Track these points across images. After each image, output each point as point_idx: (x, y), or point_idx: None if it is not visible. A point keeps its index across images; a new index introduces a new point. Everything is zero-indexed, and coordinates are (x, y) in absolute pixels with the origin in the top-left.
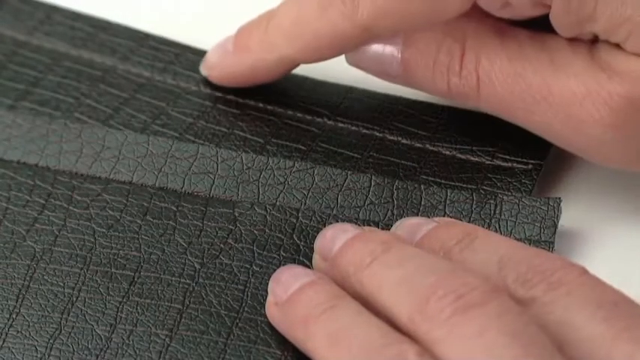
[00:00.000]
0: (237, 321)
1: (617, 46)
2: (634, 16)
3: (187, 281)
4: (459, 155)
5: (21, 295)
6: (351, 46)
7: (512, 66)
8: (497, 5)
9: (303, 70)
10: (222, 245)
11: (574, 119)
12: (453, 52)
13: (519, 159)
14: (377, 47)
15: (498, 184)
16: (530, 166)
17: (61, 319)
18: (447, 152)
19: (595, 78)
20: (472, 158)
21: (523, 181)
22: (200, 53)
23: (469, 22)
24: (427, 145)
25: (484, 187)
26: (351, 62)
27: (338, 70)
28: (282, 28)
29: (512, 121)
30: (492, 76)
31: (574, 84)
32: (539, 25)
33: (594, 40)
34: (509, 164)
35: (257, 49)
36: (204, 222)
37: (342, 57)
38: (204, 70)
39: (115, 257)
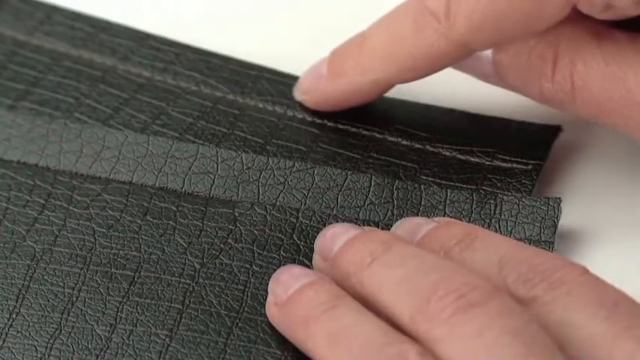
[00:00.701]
0: (237, 321)
1: None
2: None
3: (187, 281)
4: (459, 156)
5: (21, 295)
6: (448, 62)
7: (611, 69)
8: (599, 8)
9: (302, 71)
10: (222, 245)
11: None
12: (546, 56)
13: (519, 159)
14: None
15: (498, 185)
16: (530, 167)
17: (61, 319)
18: (447, 153)
19: None
20: (472, 159)
21: (523, 181)
22: (200, 53)
23: (563, 25)
24: (427, 146)
25: (484, 188)
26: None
27: None
28: (376, 51)
29: (609, 126)
30: (589, 80)
31: None
32: (638, 26)
33: None
34: (509, 165)
35: (352, 72)
36: (204, 222)
37: None
38: (299, 94)
39: (115, 257)
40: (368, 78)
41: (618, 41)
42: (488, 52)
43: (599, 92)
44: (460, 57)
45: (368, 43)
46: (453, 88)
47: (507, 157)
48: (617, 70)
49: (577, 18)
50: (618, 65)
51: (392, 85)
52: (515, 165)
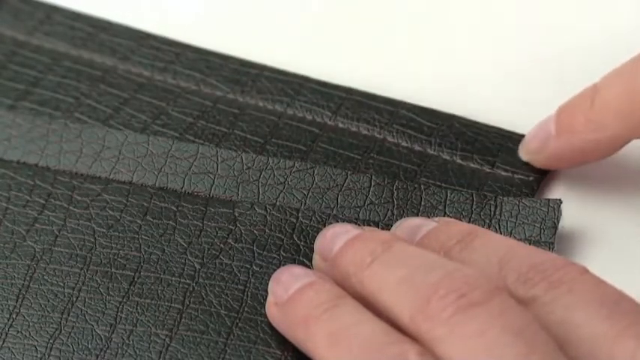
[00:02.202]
0: (237, 321)
1: None
2: None
3: (187, 281)
4: (459, 161)
5: (21, 295)
6: None
7: None
8: None
9: (303, 70)
10: (222, 245)
11: None
12: None
13: (520, 170)
14: None
15: (498, 191)
16: (531, 178)
17: (61, 319)
18: (447, 157)
19: None
20: (472, 165)
21: (523, 190)
22: (200, 52)
23: None
24: (427, 149)
25: (484, 188)
26: None
27: (339, 71)
28: (610, 106)
29: None
30: None
31: None
32: None
33: None
34: (510, 174)
35: (584, 129)
36: (204, 222)
37: (342, 56)
38: (526, 155)
39: (115, 257)
40: (603, 135)
41: None
42: None
43: None
44: None
45: (600, 98)
46: (455, 93)
47: (507, 167)
48: None
49: None
50: None
51: (629, 141)
52: (515, 175)
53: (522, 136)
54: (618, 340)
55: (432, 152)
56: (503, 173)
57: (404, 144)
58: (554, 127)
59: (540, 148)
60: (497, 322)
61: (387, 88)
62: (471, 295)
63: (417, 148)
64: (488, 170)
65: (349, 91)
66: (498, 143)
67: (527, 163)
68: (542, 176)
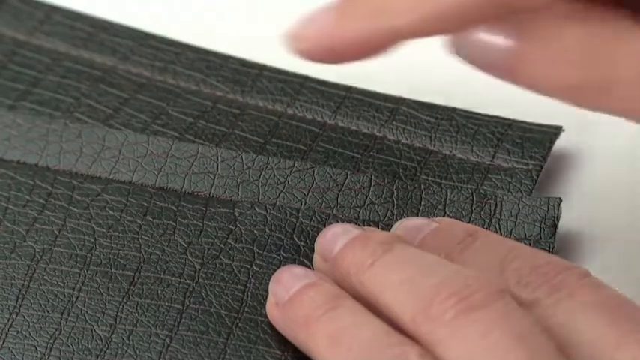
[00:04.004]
0: (237, 321)
1: None
2: None
3: (187, 281)
4: (459, 155)
5: (21, 295)
6: (479, 17)
7: None
8: None
9: (303, 69)
10: (222, 245)
11: None
12: (576, 40)
13: (519, 159)
14: (486, 35)
15: (498, 185)
16: (530, 167)
17: (61, 319)
18: (447, 152)
19: None
20: (472, 158)
21: (523, 181)
22: (200, 52)
23: (597, 7)
24: (427, 145)
25: (484, 187)
26: (456, 51)
27: (338, 70)
28: None
29: None
30: (633, 64)
31: None
32: None
33: None
34: (510, 164)
35: (367, 18)
36: (204, 222)
37: None
38: (295, 42)
39: (115, 257)
40: (386, 25)
41: None
42: (506, 42)
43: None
44: (494, 13)
45: None
46: (454, 86)
47: (507, 157)
48: None
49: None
50: None
51: (411, 38)
52: (515, 165)
53: (521, 122)
54: (620, 345)
55: (432, 148)
56: (504, 164)
57: (404, 141)
58: (334, 13)
59: (314, 35)
60: (498, 325)
61: (387, 85)
62: (472, 298)
63: (417, 144)
64: (488, 163)
65: (349, 89)
66: (499, 132)
67: (524, 150)
68: (542, 163)
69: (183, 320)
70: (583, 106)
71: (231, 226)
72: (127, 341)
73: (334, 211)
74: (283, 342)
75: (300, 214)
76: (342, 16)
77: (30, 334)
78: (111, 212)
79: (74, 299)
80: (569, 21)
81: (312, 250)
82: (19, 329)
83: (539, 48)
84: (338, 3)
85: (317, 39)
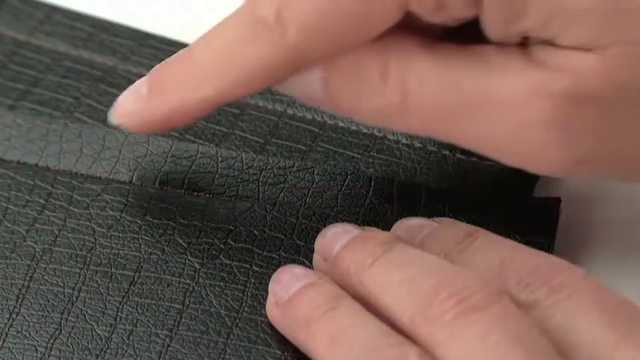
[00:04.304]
0: (237, 321)
1: (550, 42)
2: (568, 5)
3: (187, 281)
4: (459, 155)
5: (21, 295)
6: (284, 74)
7: (444, 75)
8: (431, 9)
9: None
10: (222, 245)
11: (518, 123)
12: (374, 68)
13: None
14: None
15: (498, 185)
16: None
17: (61, 319)
18: (448, 152)
19: (534, 77)
20: (472, 158)
21: (523, 182)
22: None
23: (392, 35)
24: (427, 145)
25: (484, 187)
26: (277, 86)
27: None
28: (203, 66)
29: (447, 139)
30: (422, 89)
31: (514, 85)
32: (464, 40)
33: (524, 44)
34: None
35: (176, 90)
36: (204, 222)
37: None
38: (115, 118)
39: (115, 257)
40: (195, 96)
41: (448, 49)
42: (318, 74)
43: (434, 100)
44: (295, 68)
45: (195, 57)
46: None
47: None
48: (451, 76)
49: (406, 29)
50: (451, 71)
51: (224, 103)
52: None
53: None
54: (619, 347)
55: (432, 148)
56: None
57: (404, 141)
58: (146, 88)
59: (131, 111)
60: (497, 327)
61: None
62: (471, 299)
63: (417, 144)
64: (488, 163)
65: None
66: None
67: None
68: None
69: (183, 320)
70: (397, 129)
71: (231, 226)
72: (127, 341)
73: (334, 211)
74: (283, 342)
75: (300, 214)
76: (153, 92)
77: (30, 334)
78: (111, 212)
79: (74, 299)
80: (369, 51)
81: (312, 250)
82: (19, 329)
83: (344, 76)
84: (149, 78)
85: (134, 115)
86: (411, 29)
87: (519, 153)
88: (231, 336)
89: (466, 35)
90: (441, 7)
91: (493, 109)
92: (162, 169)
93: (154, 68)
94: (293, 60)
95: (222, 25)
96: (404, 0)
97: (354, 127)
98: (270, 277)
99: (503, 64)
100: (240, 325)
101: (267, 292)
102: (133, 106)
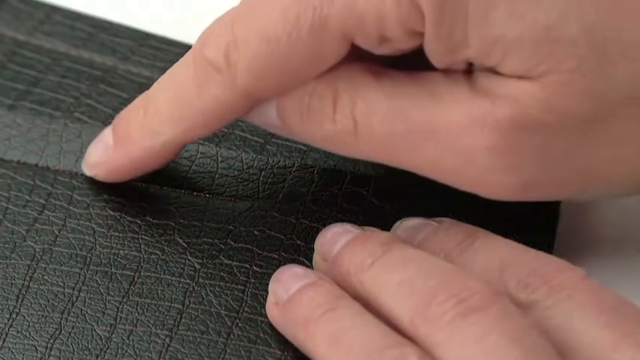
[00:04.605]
0: (237, 321)
1: (493, 70)
2: (505, 35)
3: (187, 281)
4: None
5: (21, 295)
6: (237, 114)
7: (392, 104)
8: (375, 43)
9: None
10: (222, 245)
11: (464, 150)
12: (325, 97)
13: None
14: None
15: None
16: None
17: (61, 319)
18: None
19: (478, 105)
20: None
21: None
22: None
23: (340, 65)
24: None
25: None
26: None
27: None
28: (161, 112)
29: (397, 165)
30: (371, 117)
31: (459, 113)
32: (412, 66)
33: (469, 70)
34: None
35: (139, 137)
36: (204, 222)
37: None
38: (87, 170)
39: (115, 257)
40: (157, 141)
41: (396, 77)
42: (271, 103)
43: (382, 128)
44: (249, 106)
45: (152, 103)
46: None
47: None
48: (398, 104)
49: (354, 58)
50: (399, 99)
51: (184, 144)
52: None
53: None
54: (617, 348)
55: None
56: None
57: None
58: (111, 138)
59: (100, 162)
60: (496, 328)
61: None
62: (470, 300)
63: None
64: None
65: None
66: None
67: None
68: None
69: (183, 320)
70: (349, 155)
71: (231, 226)
72: (127, 341)
73: (334, 211)
74: (283, 342)
75: (300, 214)
76: (118, 141)
77: (30, 334)
78: (111, 212)
79: (74, 299)
80: (319, 81)
81: (312, 250)
82: (19, 329)
83: (296, 106)
84: (113, 126)
85: (104, 165)
86: (360, 57)
87: (467, 179)
88: (231, 336)
89: (415, 60)
90: (384, 41)
91: (439, 136)
92: (163, 169)
93: (118, 116)
94: (244, 100)
95: (175, 69)
96: (349, 35)
97: None
98: (270, 277)
99: (449, 93)
100: (240, 325)
101: (267, 292)
102: (101, 156)
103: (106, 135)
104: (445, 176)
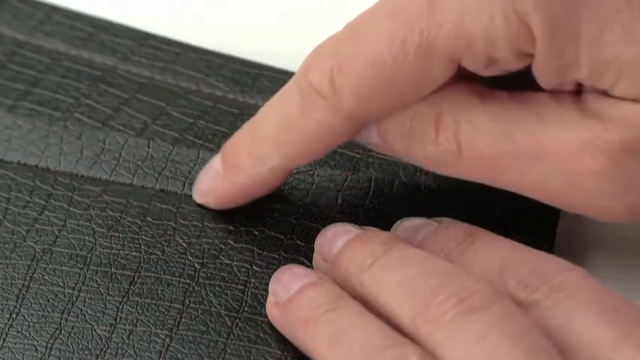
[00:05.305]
0: (237, 321)
1: (605, 92)
2: (619, 56)
3: (187, 281)
4: None
5: (21, 295)
6: (342, 138)
7: (498, 126)
8: (483, 65)
9: None
10: (222, 245)
11: (571, 173)
12: (428, 118)
13: None
14: None
15: None
16: None
17: (61, 319)
18: None
19: (588, 128)
20: None
21: None
22: (201, 52)
23: (443, 86)
24: None
25: (484, 187)
26: None
27: None
28: (267, 138)
29: (501, 186)
30: (476, 139)
31: (567, 136)
32: (513, 85)
33: (578, 91)
34: None
35: (248, 164)
36: (204, 222)
37: None
38: (197, 197)
39: (115, 257)
40: (264, 167)
41: (500, 98)
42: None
43: (488, 150)
44: (354, 130)
45: (258, 129)
46: None
47: None
48: (505, 126)
49: (457, 78)
50: (504, 121)
51: (291, 170)
52: None
53: None
54: (618, 347)
55: None
56: None
57: None
58: (220, 166)
59: (210, 190)
60: (497, 327)
61: None
62: (471, 300)
63: None
64: None
65: None
66: None
67: None
68: None
69: (183, 320)
70: (451, 175)
71: (231, 227)
72: (127, 341)
73: (334, 211)
74: (283, 342)
75: (300, 214)
76: (227, 169)
77: (30, 334)
78: (111, 213)
79: (74, 299)
80: (423, 103)
81: (312, 250)
82: (19, 329)
83: (399, 127)
84: (222, 154)
85: (214, 193)
86: (462, 77)
87: (573, 202)
88: (231, 336)
89: (515, 79)
90: (493, 62)
91: (546, 159)
92: (163, 173)
93: (226, 144)
94: (349, 124)
95: (280, 95)
96: (456, 57)
97: None
98: (270, 277)
99: (557, 115)
100: (240, 325)
101: (267, 292)
102: (211, 184)
103: (215, 162)
104: (551, 199)
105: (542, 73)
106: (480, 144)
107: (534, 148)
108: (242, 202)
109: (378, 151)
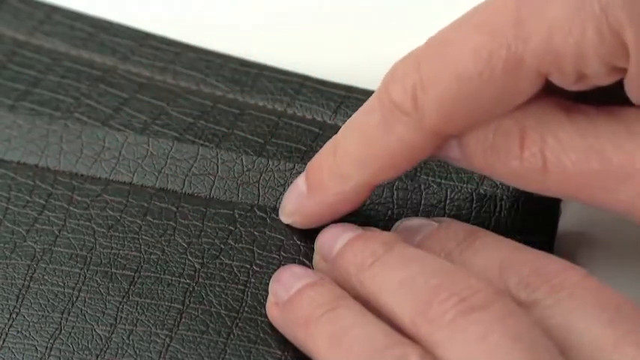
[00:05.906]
0: (237, 321)
1: None
2: None
3: (187, 281)
4: None
5: (21, 295)
6: (425, 153)
7: (586, 142)
8: (572, 80)
9: (302, 69)
10: (222, 245)
11: None
12: (512, 134)
13: None
14: None
15: (498, 184)
16: None
17: (61, 319)
18: None
19: None
20: None
21: None
22: (200, 52)
23: (528, 100)
24: None
25: (484, 187)
26: None
27: (338, 70)
28: (350, 156)
29: (588, 204)
30: (563, 155)
31: None
32: (600, 100)
33: None
34: None
35: (331, 183)
36: (205, 222)
37: (341, 54)
38: (284, 218)
39: (115, 257)
40: (347, 185)
41: (588, 113)
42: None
43: (575, 167)
44: (437, 146)
45: (340, 147)
46: None
47: None
48: (594, 143)
49: (542, 92)
50: (594, 137)
51: (375, 186)
52: None
53: None
54: (618, 346)
55: None
56: None
57: None
58: (304, 186)
59: (296, 210)
60: (498, 326)
61: None
62: (472, 299)
63: None
64: None
65: (349, 89)
66: None
67: None
68: None
69: (183, 320)
70: (534, 191)
71: (231, 227)
72: (127, 341)
73: None
74: (283, 342)
75: None
76: (311, 189)
77: (30, 334)
78: (111, 212)
79: (74, 299)
80: (506, 117)
81: (312, 250)
82: (19, 329)
83: (480, 141)
84: (306, 174)
85: (300, 213)
86: (547, 91)
87: None
88: (231, 336)
89: (601, 94)
90: (582, 77)
91: (638, 177)
92: (163, 171)
93: (309, 163)
94: (432, 140)
95: (361, 112)
96: (544, 72)
97: None
98: (271, 277)
99: None
100: (240, 325)
101: (267, 292)
102: (296, 204)
103: (300, 183)
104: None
105: (635, 88)
106: (566, 161)
107: (626, 167)
108: (328, 221)
109: (457, 165)
